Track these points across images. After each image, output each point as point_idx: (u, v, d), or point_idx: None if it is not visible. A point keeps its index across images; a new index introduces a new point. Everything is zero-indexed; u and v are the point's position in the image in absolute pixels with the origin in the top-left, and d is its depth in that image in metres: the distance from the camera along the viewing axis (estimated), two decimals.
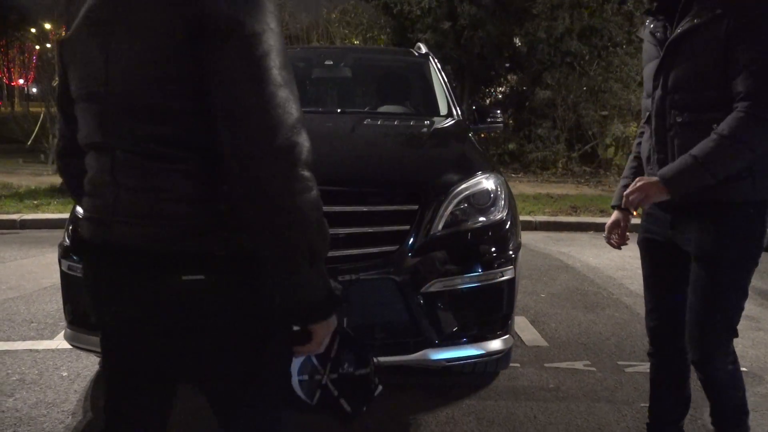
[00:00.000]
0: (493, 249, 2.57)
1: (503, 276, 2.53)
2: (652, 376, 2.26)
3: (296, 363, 1.20)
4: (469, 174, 2.66)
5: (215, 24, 1.02)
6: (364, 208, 2.41)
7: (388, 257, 2.38)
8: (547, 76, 11.77)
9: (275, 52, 1.06)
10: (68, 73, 1.23)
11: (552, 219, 7.61)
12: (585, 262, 5.58)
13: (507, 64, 13.38)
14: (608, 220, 2.27)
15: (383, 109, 3.81)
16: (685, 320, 2.03)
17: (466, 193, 2.57)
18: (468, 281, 2.48)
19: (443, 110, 3.73)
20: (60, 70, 1.29)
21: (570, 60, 11.59)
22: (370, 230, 2.40)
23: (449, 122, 3.49)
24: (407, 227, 2.41)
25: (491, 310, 2.55)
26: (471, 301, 2.51)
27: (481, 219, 2.58)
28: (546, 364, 3.26)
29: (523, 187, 10.11)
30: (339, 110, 3.57)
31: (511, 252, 2.59)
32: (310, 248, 1.08)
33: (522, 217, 7.41)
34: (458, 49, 12.08)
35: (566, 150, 11.88)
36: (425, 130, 3.28)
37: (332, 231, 2.47)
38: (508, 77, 13.88)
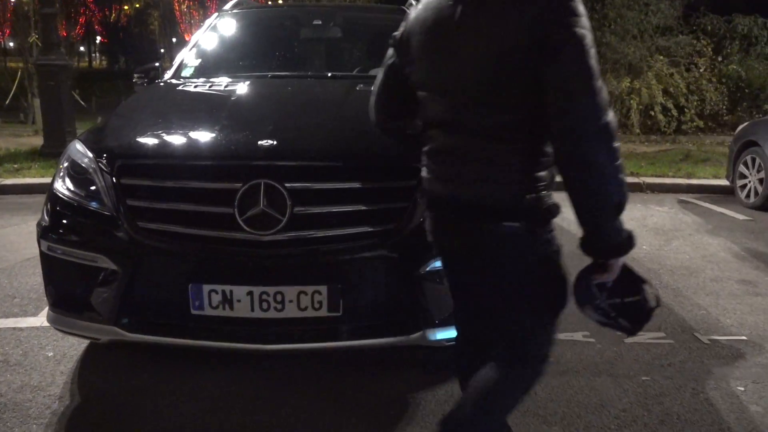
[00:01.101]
0: None
1: None
2: None
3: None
4: None
5: (555, 39, 1.35)
6: (360, 185, 2.28)
7: (386, 236, 2.27)
8: None
9: (593, 48, 1.38)
10: (412, 66, 1.63)
11: None
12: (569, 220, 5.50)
13: None
14: None
15: (375, 72, 3.62)
16: None
17: None
18: None
19: None
20: (397, 62, 1.70)
21: None
22: (366, 208, 2.28)
23: None
24: (405, 204, 2.29)
25: None
26: None
27: None
28: None
29: None
30: (329, 74, 3.39)
31: None
32: (620, 203, 1.40)
33: None
34: None
35: None
36: None
37: (326, 209, 2.32)
38: None
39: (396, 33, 1.69)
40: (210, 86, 3.13)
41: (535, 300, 1.60)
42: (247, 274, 2.24)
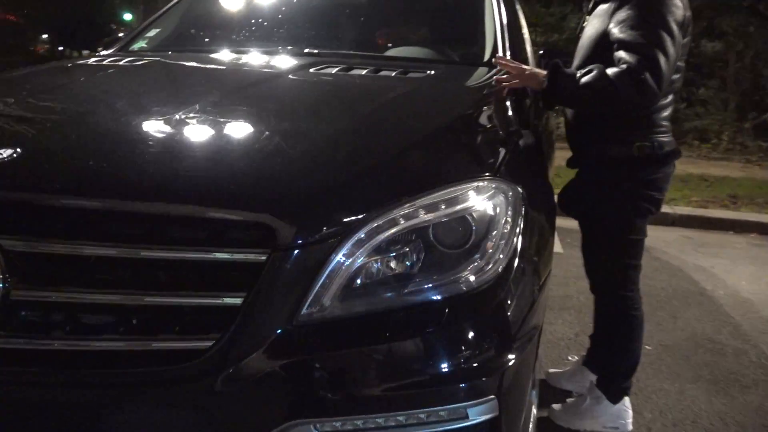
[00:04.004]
0: (461, 351, 1.18)
1: (470, 417, 1.14)
2: None
3: None
4: (434, 180, 1.27)
5: None
6: (150, 251, 1.12)
7: (194, 367, 1.08)
8: (721, 23, 9.36)
9: None
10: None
11: (698, 212, 5.74)
12: (733, 289, 3.84)
13: None
14: None
15: (394, 52, 2.43)
16: None
17: (414, 221, 1.19)
18: (382, 426, 1.12)
19: (487, 56, 2.28)
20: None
21: (752, 2, 9.10)
22: (157, 301, 1.11)
23: (476, 78, 2.06)
24: (239, 300, 1.09)
25: None
26: None
27: (442, 280, 1.19)
28: None
29: None
30: (306, 50, 2.26)
31: (503, 357, 1.19)
32: None
33: None
34: None
35: (736, 119, 9.52)
36: (411, 90, 1.86)
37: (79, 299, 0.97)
38: None
39: (686, 14, 1.89)
40: (122, 61, 2.14)
41: None
42: None
